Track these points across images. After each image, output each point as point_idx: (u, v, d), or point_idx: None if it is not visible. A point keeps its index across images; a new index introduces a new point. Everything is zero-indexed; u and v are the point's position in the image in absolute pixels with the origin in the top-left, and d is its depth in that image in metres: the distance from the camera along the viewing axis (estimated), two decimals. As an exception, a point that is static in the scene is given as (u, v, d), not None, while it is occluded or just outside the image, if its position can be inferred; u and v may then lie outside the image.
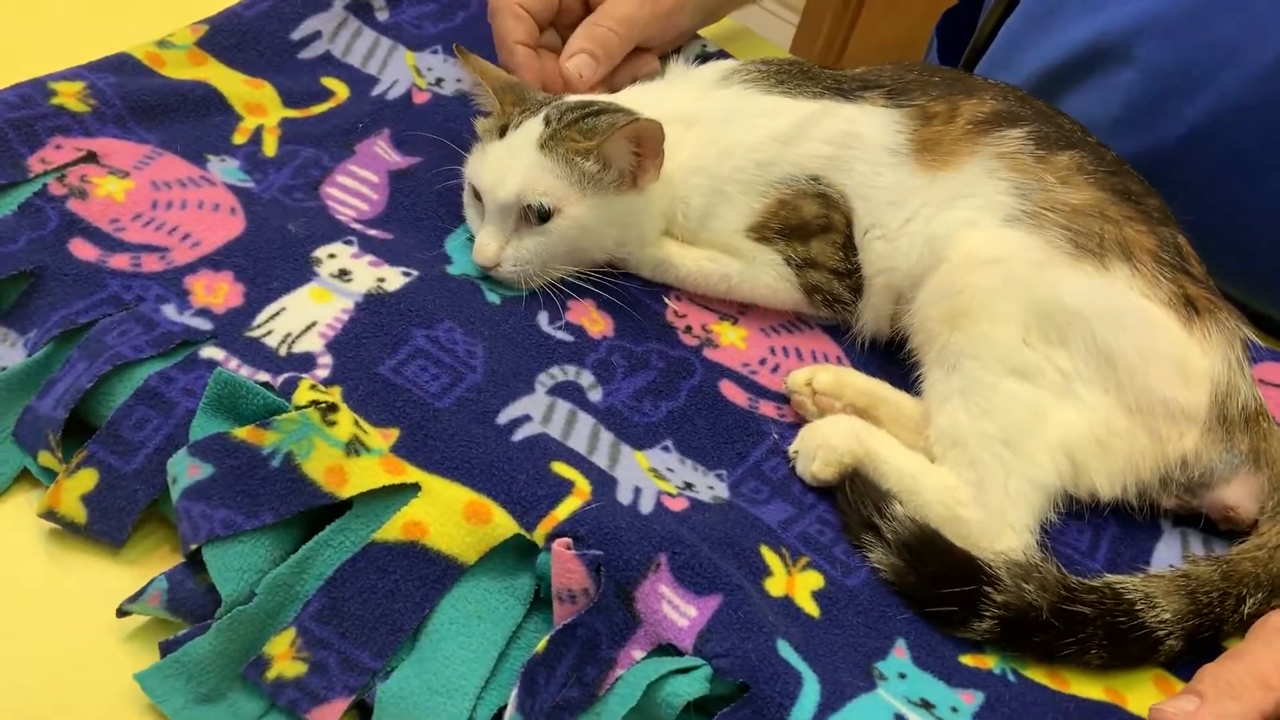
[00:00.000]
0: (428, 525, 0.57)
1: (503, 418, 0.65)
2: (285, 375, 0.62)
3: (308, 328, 0.66)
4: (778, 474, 0.69)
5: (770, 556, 0.63)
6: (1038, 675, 0.62)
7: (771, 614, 0.59)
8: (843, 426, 0.69)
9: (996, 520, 0.66)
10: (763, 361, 0.75)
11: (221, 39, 0.84)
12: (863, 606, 0.62)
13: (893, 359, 0.76)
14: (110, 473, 0.59)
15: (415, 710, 0.54)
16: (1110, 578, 0.64)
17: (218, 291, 0.67)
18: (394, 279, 0.70)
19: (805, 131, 0.76)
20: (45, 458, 0.60)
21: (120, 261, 0.67)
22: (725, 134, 0.76)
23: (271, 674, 0.54)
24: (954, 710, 0.58)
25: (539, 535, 0.58)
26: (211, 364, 0.62)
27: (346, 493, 0.57)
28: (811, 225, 0.76)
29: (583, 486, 0.61)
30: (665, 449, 0.68)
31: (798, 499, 0.67)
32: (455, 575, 0.57)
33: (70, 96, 0.74)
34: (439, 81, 0.88)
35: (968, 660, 0.62)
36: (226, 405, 0.59)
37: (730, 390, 0.72)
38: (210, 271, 0.68)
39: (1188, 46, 0.83)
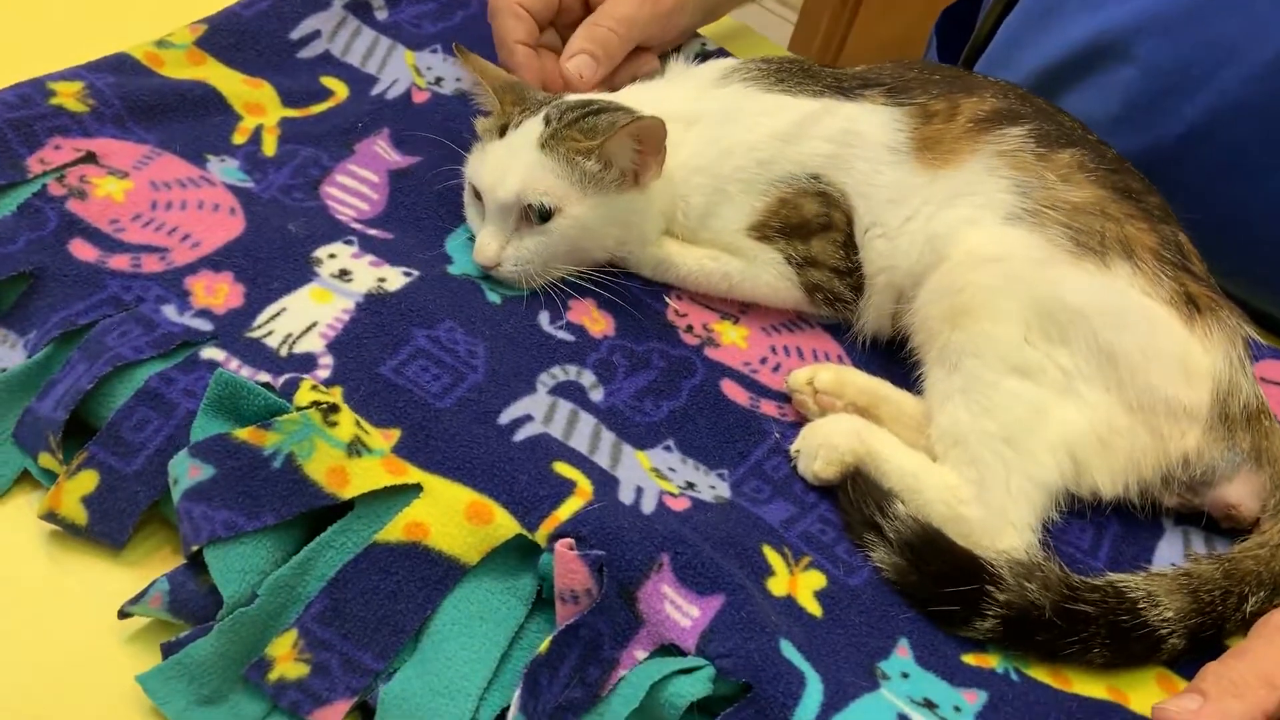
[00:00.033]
0: (429, 526, 0.57)
1: (504, 418, 0.64)
2: (286, 376, 0.61)
3: (308, 328, 0.66)
4: (779, 473, 0.69)
5: (772, 556, 0.63)
6: (1040, 674, 0.62)
7: (774, 614, 0.58)
8: (844, 425, 0.69)
9: (998, 519, 0.66)
10: (764, 360, 0.75)
11: (220, 38, 0.84)
12: (865, 606, 0.62)
13: (894, 358, 0.76)
14: (111, 474, 0.59)
15: (418, 711, 0.54)
16: (1112, 576, 0.64)
17: (218, 292, 0.67)
18: (394, 279, 0.70)
19: (806, 130, 0.76)
20: (46, 459, 0.60)
21: (120, 262, 0.67)
22: (726, 133, 0.76)
23: (273, 675, 0.54)
24: (957, 710, 0.58)
25: (541, 536, 0.58)
26: (212, 365, 0.62)
27: (348, 493, 0.57)
28: (812, 224, 0.76)
29: (585, 487, 0.61)
30: (667, 448, 0.67)
31: (799, 498, 0.67)
32: (457, 576, 0.57)
33: (69, 96, 0.74)
34: (438, 81, 0.88)
35: (970, 659, 0.62)
36: (227, 406, 0.59)
37: (731, 389, 0.72)
38: (210, 272, 0.68)
39: (1187, 45, 0.83)
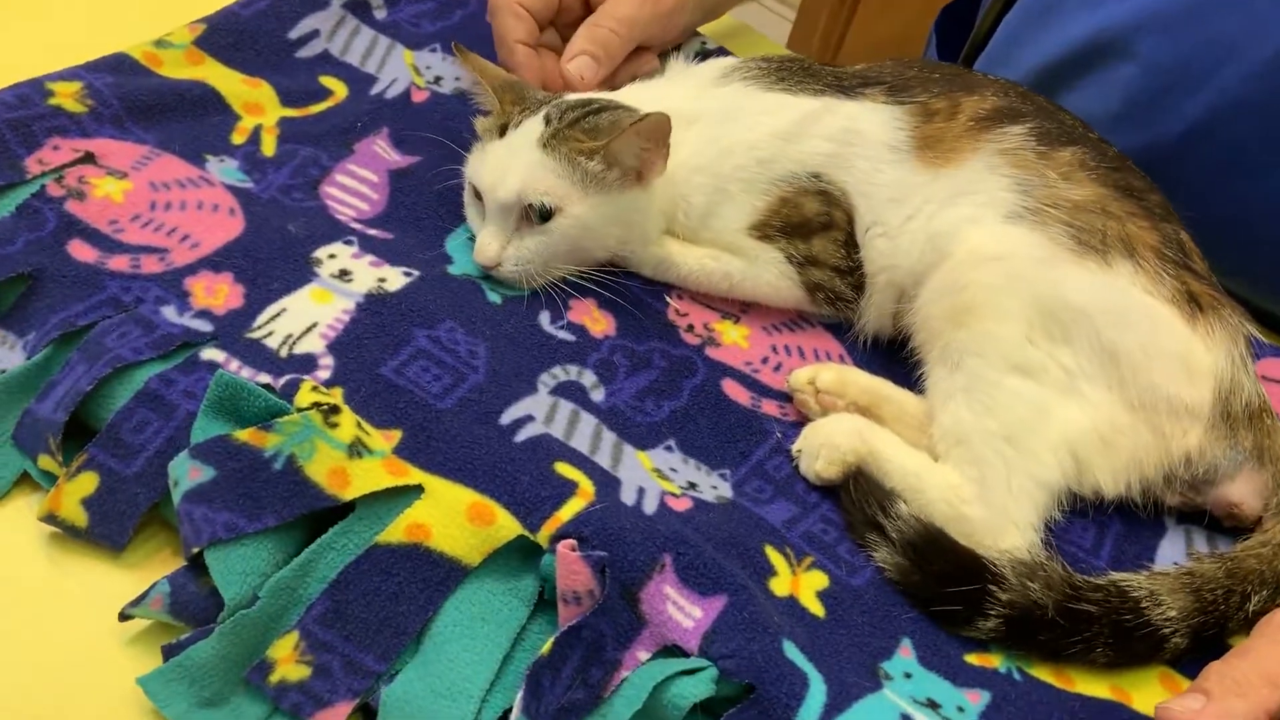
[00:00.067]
0: (431, 527, 0.57)
1: (505, 418, 0.64)
2: (287, 377, 0.61)
3: (309, 329, 0.66)
4: (781, 473, 0.68)
5: (775, 556, 0.62)
6: (1043, 674, 0.62)
7: (777, 614, 0.58)
8: (846, 425, 0.69)
9: (1000, 518, 0.66)
10: (765, 360, 0.75)
11: (219, 38, 0.83)
12: (868, 606, 0.62)
13: (895, 357, 0.76)
14: (111, 476, 0.58)
15: (420, 713, 0.53)
16: (1115, 575, 0.64)
17: (218, 293, 0.67)
18: (395, 279, 0.70)
19: (806, 129, 0.76)
20: (45, 461, 0.60)
21: (119, 263, 0.67)
22: (726, 132, 0.76)
23: (275, 678, 0.54)
24: (960, 710, 0.58)
25: (543, 536, 0.58)
26: (212, 366, 0.62)
27: (349, 495, 0.57)
28: (813, 223, 0.76)
29: (586, 487, 0.61)
30: (668, 449, 0.67)
31: (801, 498, 0.67)
32: (459, 577, 0.56)
33: (67, 97, 0.74)
34: (437, 80, 0.88)
35: (973, 659, 0.62)
36: (228, 407, 0.59)
37: (733, 389, 0.72)
38: (210, 273, 0.68)
39: (1187, 42, 0.83)
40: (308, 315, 0.67)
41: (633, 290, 0.75)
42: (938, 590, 0.62)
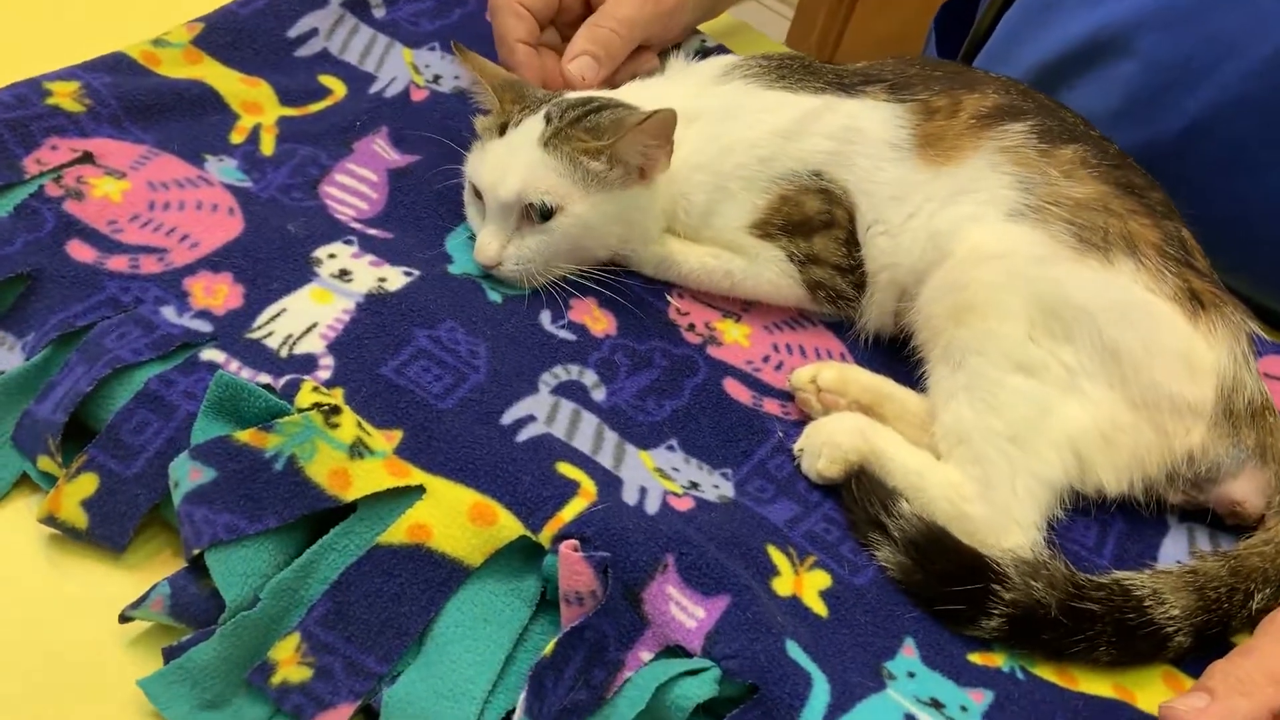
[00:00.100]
0: (432, 528, 0.57)
1: (507, 418, 0.64)
2: (287, 377, 0.61)
3: (309, 329, 0.66)
4: (783, 472, 0.68)
5: (777, 556, 0.62)
6: (1046, 673, 0.62)
7: (780, 614, 0.58)
8: (848, 424, 0.68)
9: (1003, 517, 0.66)
10: (766, 359, 0.75)
11: (217, 37, 0.83)
12: (871, 605, 0.62)
13: (896, 355, 0.75)
14: (111, 477, 0.58)
15: (422, 714, 0.53)
16: (1118, 574, 0.64)
17: (217, 293, 0.67)
18: (395, 279, 0.70)
19: (807, 127, 0.76)
20: (45, 462, 0.60)
21: (118, 263, 0.67)
22: (727, 130, 0.76)
23: (276, 679, 0.54)
24: (963, 709, 0.58)
25: (545, 537, 0.58)
26: (212, 366, 0.62)
27: (350, 496, 0.57)
28: (814, 221, 0.75)
29: (588, 487, 0.61)
30: (670, 448, 0.67)
31: (803, 497, 0.67)
32: (461, 578, 0.56)
33: (65, 96, 0.74)
34: (437, 79, 0.87)
35: (976, 659, 0.61)
36: (228, 408, 0.59)
37: (734, 388, 0.72)
38: (209, 273, 0.68)
39: (1188, 39, 0.83)
40: (308, 315, 0.66)
41: (634, 289, 0.75)
42: (941, 589, 0.62)
